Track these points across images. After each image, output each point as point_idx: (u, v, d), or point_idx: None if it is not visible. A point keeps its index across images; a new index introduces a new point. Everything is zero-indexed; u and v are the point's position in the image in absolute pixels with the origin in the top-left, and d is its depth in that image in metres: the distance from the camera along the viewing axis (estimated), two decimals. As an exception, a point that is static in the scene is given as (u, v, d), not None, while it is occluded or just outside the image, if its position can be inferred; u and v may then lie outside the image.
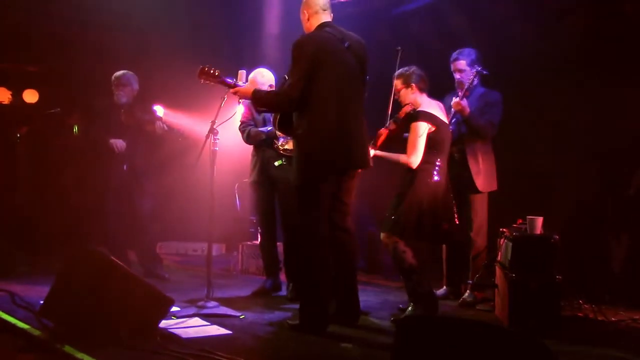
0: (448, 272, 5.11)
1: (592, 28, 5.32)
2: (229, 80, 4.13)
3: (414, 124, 4.26)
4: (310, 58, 3.78)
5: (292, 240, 5.00)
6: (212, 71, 4.05)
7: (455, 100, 4.74)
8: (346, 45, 3.89)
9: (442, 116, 4.41)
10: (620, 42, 5.14)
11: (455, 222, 4.45)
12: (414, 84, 4.38)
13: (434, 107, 4.40)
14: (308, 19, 4.00)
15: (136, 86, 5.87)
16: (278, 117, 4.06)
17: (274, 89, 5.08)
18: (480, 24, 5.98)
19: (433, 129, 4.28)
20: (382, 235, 4.34)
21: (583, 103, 5.26)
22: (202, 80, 4.08)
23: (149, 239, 5.94)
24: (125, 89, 5.77)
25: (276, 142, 4.98)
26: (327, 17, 4.00)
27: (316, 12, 3.98)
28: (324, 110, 3.81)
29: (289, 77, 3.83)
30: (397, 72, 4.46)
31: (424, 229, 4.25)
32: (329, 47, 3.86)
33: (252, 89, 4.05)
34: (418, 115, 4.29)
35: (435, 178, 4.29)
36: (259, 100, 4.01)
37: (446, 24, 6.20)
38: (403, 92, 4.42)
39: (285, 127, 4.07)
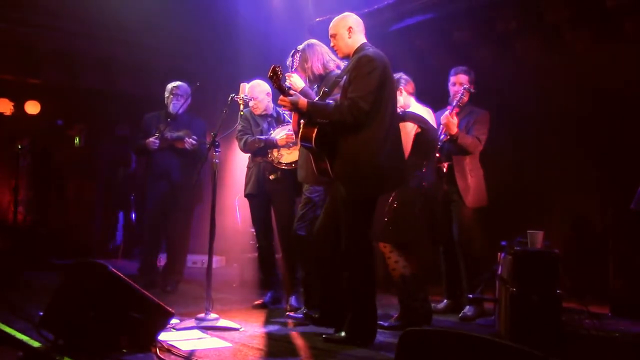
0: (448, 285, 5.11)
1: (590, 44, 5.35)
2: (284, 85, 4.00)
3: (401, 124, 4.30)
4: (381, 74, 3.77)
5: (290, 253, 5.00)
6: (280, 73, 3.89)
7: (445, 114, 4.77)
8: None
9: (431, 120, 4.47)
10: (620, 59, 5.17)
11: (437, 226, 4.50)
12: (402, 87, 4.45)
13: (423, 111, 4.44)
14: (350, 36, 3.94)
15: (190, 100, 5.83)
16: (316, 134, 3.84)
17: (270, 97, 5.15)
18: (481, 39, 6.02)
19: (419, 130, 4.33)
20: (379, 244, 4.40)
21: (584, 118, 5.29)
22: (271, 80, 3.90)
23: (176, 252, 5.96)
24: (182, 100, 5.75)
25: (271, 154, 4.97)
26: (363, 37, 4.00)
27: (360, 32, 3.98)
28: (388, 128, 3.82)
29: (355, 91, 3.73)
30: None
31: (413, 234, 4.32)
32: (389, 67, 3.90)
33: (306, 100, 3.88)
34: (405, 116, 4.35)
35: (422, 183, 4.33)
36: (317, 112, 3.85)
37: (445, 40, 6.24)
38: None
39: (323, 145, 3.88)
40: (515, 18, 5.69)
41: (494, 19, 5.83)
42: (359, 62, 3.82)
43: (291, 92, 3.93)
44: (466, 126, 4.88)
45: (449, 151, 4.88)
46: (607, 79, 5.20)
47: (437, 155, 4.79)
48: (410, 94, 4.49)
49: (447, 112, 4.77)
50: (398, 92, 4.40)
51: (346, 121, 3.75)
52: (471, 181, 4.89)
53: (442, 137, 4.80)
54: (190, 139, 5.59)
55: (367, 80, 3.74)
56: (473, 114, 4.95)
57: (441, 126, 4.79)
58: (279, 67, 3.87)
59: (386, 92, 3.82)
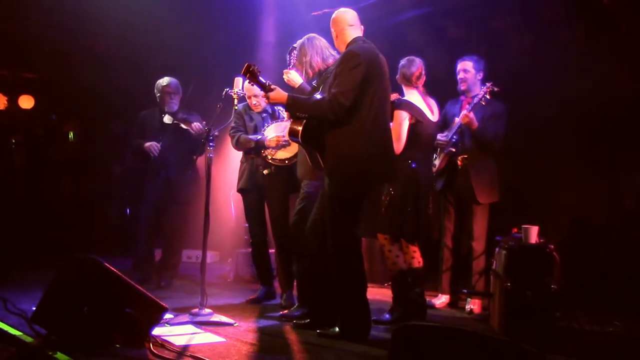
0: (445, 280, 5.11)
1: (585, 42, 5.35)
2: (264, 81, 3.96)
3: (395, 112, 4.30)
4: (365, 70, 3.74)
5: (284, 248, 4.98)
6: (256, 70, 3.90)
7: (463, 112, 4.76)
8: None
9: (428, 112, 4.43)
10: (615, 56, 5.17)
11: (429, 217, 4.50)
12: (414, 71, 4.43)
13: (420, 102, 4.41)
14: (337, 37, 3.99)
15: (181, 93, 5.83)
16: (302, 129, 3.86)
17: None
18: (477, 35, 6.01)
19: (412, 120, 4.31)
20: (378, 236, 4.43)
21: (582, 116, 5.30)
22: (246, 78, 3.93)
23: (172, 247, 5.96)
24: (176, 97, 5.74)
25: (265, 150, 4.96)
26: (357, 32, 3.98)
27: (343, 29, 3.96)
28: (372, 123, 3.79)
29: (337, 86, 3.71)
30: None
31: (407, 225, 4.31)
32: (377, 61, 3.86)
33: (286, 94, 3.88)
34: (400, 104, 4.33)
35: (415, 175, 4.32)
36: (297, 106, 3.87)
37: (442, 34, 6.23)
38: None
39: (311, 140, 3.90)
40: (511, 15, 5.69)
41: (490, 15, 5.83)
42: (344, 58, 3.82)
43: (272, 86, 3.92)
44: (483, 118, 4.82)
45: (464, 146, 4.86)
46: (603, 77, 5.19)
47: (453, 149, 4.80)
48: (412, 82, 4.44)
49: (465, 112, 4.75)
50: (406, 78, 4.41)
51: (326, 117, 3.75)
52: (485, 176, 4.89)
53: (454, 129, 4.78)
54: (197, 123, 5.54)
55: (350, 76, 3.72)
56: (490, 105, 4.85)
57: (458, 122, 4.78)
58: (253, 64, 3.88)
59: (372, 87, 3.78)
